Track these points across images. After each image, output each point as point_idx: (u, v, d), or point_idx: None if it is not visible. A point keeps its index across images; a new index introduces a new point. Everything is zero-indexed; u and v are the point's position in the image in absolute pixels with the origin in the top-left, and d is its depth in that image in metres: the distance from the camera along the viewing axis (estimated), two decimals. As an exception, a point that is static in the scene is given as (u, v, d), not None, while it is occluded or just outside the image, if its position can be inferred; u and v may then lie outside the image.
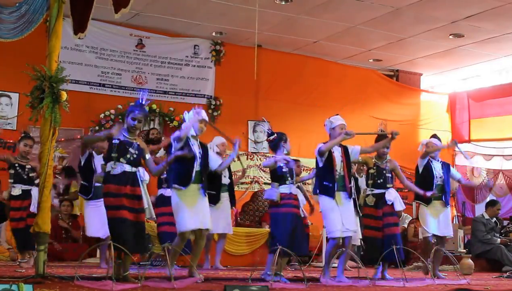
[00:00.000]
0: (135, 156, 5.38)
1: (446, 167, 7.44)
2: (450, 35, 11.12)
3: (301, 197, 7.46)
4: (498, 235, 9.83)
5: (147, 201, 5.50)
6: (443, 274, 7.57)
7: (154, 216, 5.61)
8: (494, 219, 9.94)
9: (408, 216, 11.27)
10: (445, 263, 8.86)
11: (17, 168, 7.32)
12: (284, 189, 6.22)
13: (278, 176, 6.23)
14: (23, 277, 5.05)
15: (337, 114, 6.49)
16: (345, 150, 6.33)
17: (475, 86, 13.83)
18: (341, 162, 6.25)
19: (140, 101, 5.53)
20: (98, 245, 7.49)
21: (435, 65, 13.16)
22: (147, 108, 11.18)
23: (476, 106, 13.49)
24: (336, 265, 8.60)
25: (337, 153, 6.27)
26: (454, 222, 13.04)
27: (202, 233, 5.84)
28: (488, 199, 12.87)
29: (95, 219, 7.51)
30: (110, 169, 5.35)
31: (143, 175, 5.60)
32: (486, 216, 9.87)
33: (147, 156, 5.50)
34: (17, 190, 7.36)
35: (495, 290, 5.71)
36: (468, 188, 13.54)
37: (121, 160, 5.33)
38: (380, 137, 6.99)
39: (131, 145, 5.40)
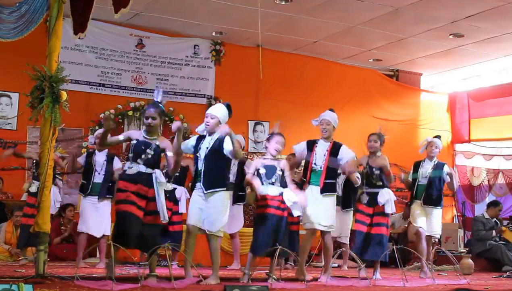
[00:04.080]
0: (150, 156, 5.36)
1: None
2: (450, 35, 11.12)
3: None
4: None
5: (160, 204, 5.32)
6: (443, 273, 7.58)
7: (167, 218, 5.44)
8: (494, 219, 9.96)
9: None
10: (445, 263, 8.87)
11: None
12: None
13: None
14: (23, 277, 5.06)
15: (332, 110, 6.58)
16: (333, 148, 6.41)
17: (475, 86, 13.82)
18: (323, 158, 6.36)
19: (155, 100, 5.52)
20: (95, 246, 7.55)
21: (435, 65, 13.16)
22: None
23: (476, 106, 13.48)
24: (336, 265, 8.64)
25: (322, 148, 6.41)
26: (454, 222, 13.06)
27: (207, 235, 5.68)
28: (487, 199, 12.89)
29: (88, 216, 7.61)
30: (126, 168, 5.40)
31: (160, 176, 5.39)
32: (486, 216, 9.89)
33: (168, 154, 5.39)
34: (34, 187, 7.45)
35: (495, 290, 5.71)
36: (468, 188, 13.56)
37: (138, 160, 5.35)
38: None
39: (149, 146, 5.40)
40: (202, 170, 5.59)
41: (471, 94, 13.64)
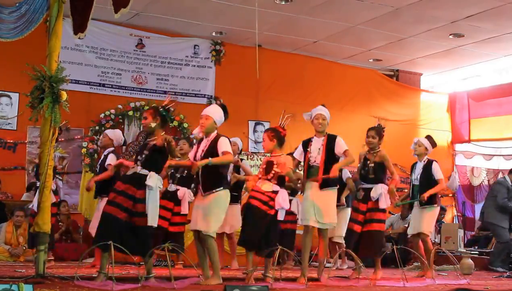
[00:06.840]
0: (144, 156, 5.37)
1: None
2: (450, 35, 11.12)
3: None
4: None
5: (148, 207, 5.26)
6: (443, 274, 7.57)
7: (155, 224, 5.36)
8: None
9: (410, 215, 11.26)
10: (445, 263, 8.86)
11: None
12: None
13: None
14: (23, 277, 5.06)
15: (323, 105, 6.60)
16: (328, 141, 6.30)
17: (475, 86, 13.83)
18: (318, 153, 6.28)
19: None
20: (95, 246, 7.50)
21: (435, 65, 13.16)
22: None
23: (476, 106, 13.48)
24: (332, 264, 8.60)
25: (317, 143, 6.34)
26: (454, 222, 13.05)
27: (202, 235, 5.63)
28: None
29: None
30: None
31: (149, 179, 5.30)
32: (510, 182, 9.29)
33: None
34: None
35: (495, 290, 5.71)
36: (468, 188, 13.56)
37: (138, 162, 5.41)
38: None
39: (146, 147, 5.45)
40: (200, 173, 5.58)
41: (471, 94, 13.65)
